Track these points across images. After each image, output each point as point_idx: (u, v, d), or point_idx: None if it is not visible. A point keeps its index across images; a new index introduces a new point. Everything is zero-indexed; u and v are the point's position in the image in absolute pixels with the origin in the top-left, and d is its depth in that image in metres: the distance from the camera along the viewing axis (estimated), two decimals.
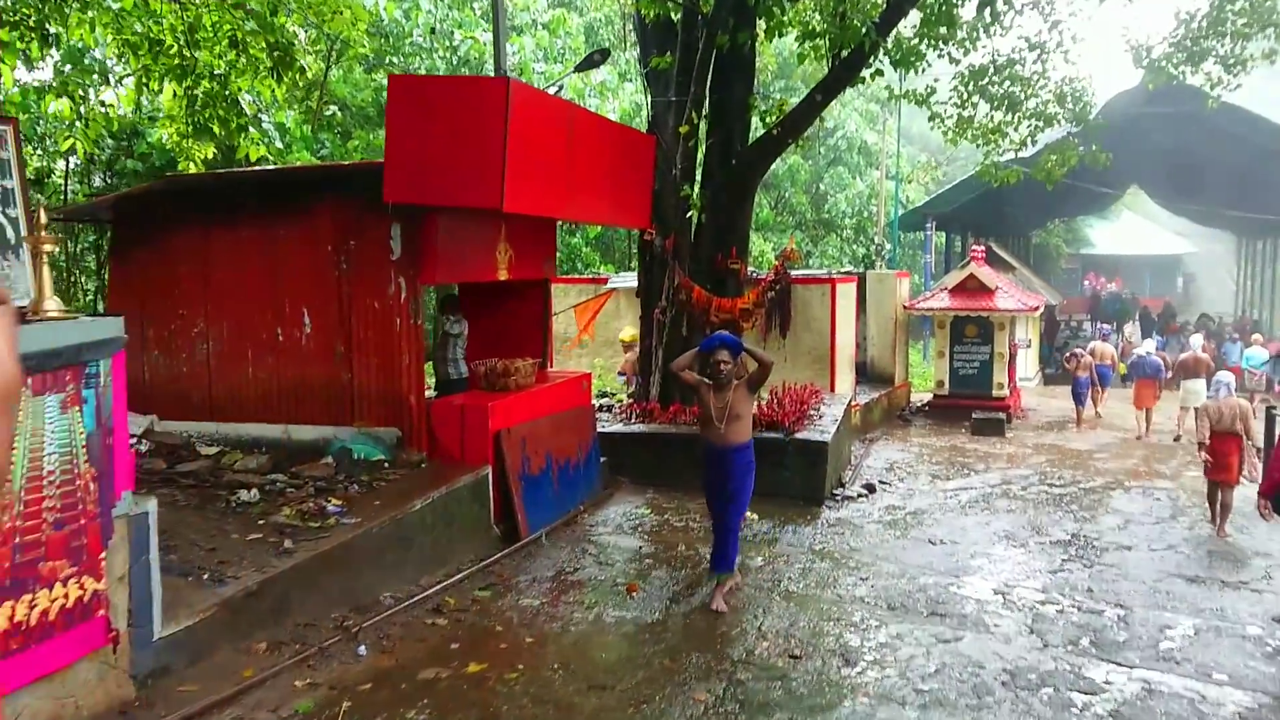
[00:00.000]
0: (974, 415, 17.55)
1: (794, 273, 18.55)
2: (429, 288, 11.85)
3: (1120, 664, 6.72)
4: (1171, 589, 8.60)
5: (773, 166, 25.56)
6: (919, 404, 20.12)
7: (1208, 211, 31.34)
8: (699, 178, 13.05)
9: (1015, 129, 16.42)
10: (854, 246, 27.64)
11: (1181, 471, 14.57)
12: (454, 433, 9.16)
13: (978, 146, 16.83)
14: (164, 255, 9.79)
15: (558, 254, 23.31)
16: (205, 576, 5.95)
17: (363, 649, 6.25)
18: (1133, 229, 42.59)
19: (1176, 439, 17.44)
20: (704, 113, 12.99)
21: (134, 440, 9.41)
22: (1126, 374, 20.18)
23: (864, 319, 19.28)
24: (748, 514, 10.40)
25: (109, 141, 14.97)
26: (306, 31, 13.41)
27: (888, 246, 26.16)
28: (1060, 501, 12.30)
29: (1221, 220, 33.39)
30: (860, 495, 12.10)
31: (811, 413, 12.78)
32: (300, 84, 14.15)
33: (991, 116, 16.47)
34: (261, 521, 7.04)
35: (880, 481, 13.20)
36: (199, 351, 9.72)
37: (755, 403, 8.24)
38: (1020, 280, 23.46)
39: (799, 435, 11.57)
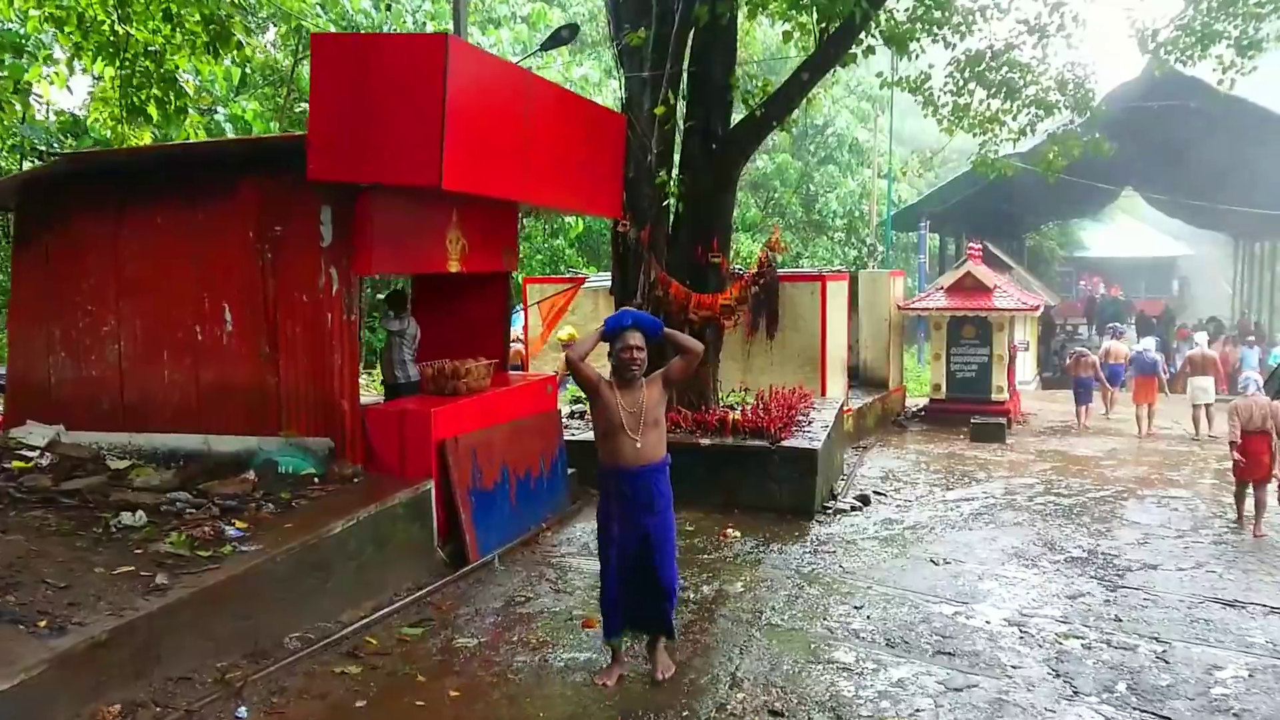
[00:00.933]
0: (973, 420, 16.35)
1: (781, 270, 17.38)
2: (367, 280, 10.58)
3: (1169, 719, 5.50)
4: (1210, 616, 7.38)
5: (761, 165, 24.41)
6: (915, 409, 18.92)
7: (1205, 212, 30.22)
8: (677, 164, 11.83)
9: (1014, 118, 15.23)
10: (846, 248, 26.45)
11: (1195, 479, 13.38)
12: (392, 443, 7.94)
13: (974, 136, 15.62)
14: (71, 245, 8.56)
15: (539, 256, 22.17)
16: (43, 624, 4.72)
17: (243, 710, 5.02)
18: (1127, 232, 41.49)
19: (1194, 438, 16.58)
20: (681, 93, 11.80)
21: (36, 454, 8.20)
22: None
23: (856, 320, 18.08)
24: (729, 530, 9.21)
25: (47, 134, 13.73)
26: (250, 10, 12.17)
27: (880, 248, 24.98)
28: (1070, 513, 11.10)
29: (1219, 222, 32.26)
30: (854, 508, 10.88)
31: (800, 418, 11.57)
32: (244, 64, 12.90)
33: (988, 104, 15.29)
34: (139, 551, 5.81)
35: (875, 492, 12.00)
36: (109, 353, 8.48)
37: (666, 406, 6.15)
38: (1018, 280, 22.29)
39: (786, 443, 10.36)
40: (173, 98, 11.11)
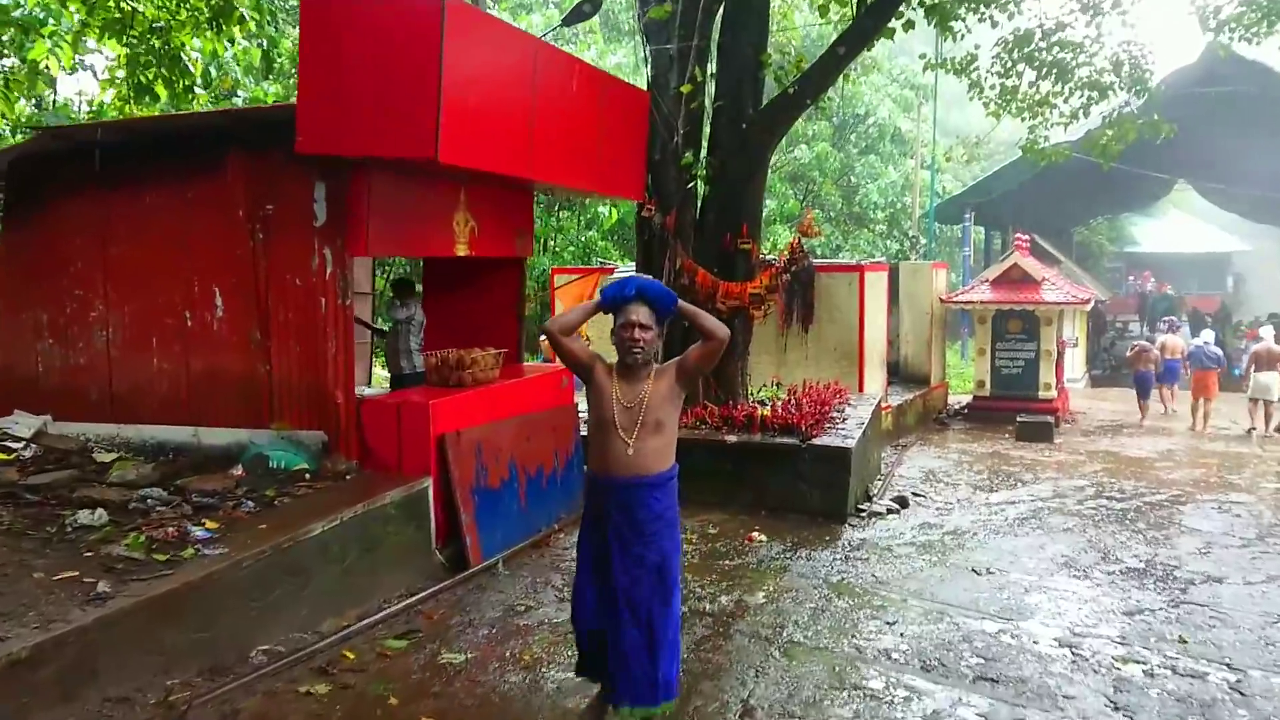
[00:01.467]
0: (1018, 419, 15.48)
1: (818, 260, 16.61)
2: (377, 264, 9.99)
3: None
4: None
5: (799, 154, 23.59)
6: (957, 406, 18.06)
7: (1263, 205, 28.90)
8: (705, 146, 11.12)
9: (1065, 100, 14.36)
10: (887, 241, 25.53)
11: (1258, 482, 12.46)
12: (389, 437, 7.32)
13: (1023, 121, 14.76)
14: (58, 227, 8.05)
15: (572, 248, 21.53)
16: None
17: None
18: (1180, 226, 39.98)
19: (1250, 431, 16.15)
20: (710, 72, 11.09)
21: (21, 445, 7.69)
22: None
23: (897, 314, 17.26)
24: (755, 534, 8.51)
25: (71, 120, 13.32)
26: None
27: (922, 241, 24.07)
28: (1124, 518, 10.27)
29: (1276, 215, 30.88)
30: (890, 511, 10.13)
31: (834, 415, 10.83)
32: (271, 48, 12.38)
33: (1038, 87, 14.43)
34: (89, 554, 5.23)
35: (914, 494, 11.23)
36: (97, 340, 7.95)
37: (680, 406, 4.78)
38: (1067, 274, 21.31)
39: (817, 441, 9.63)
40: (179, 77, 10.58)
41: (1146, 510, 10.73)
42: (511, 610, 6.59)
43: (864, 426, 10.38)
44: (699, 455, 9.67)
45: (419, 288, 10.05)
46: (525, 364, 9.95)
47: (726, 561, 8.00)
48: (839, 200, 24.61)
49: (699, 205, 10.98)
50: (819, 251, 22.07)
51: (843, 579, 7.60)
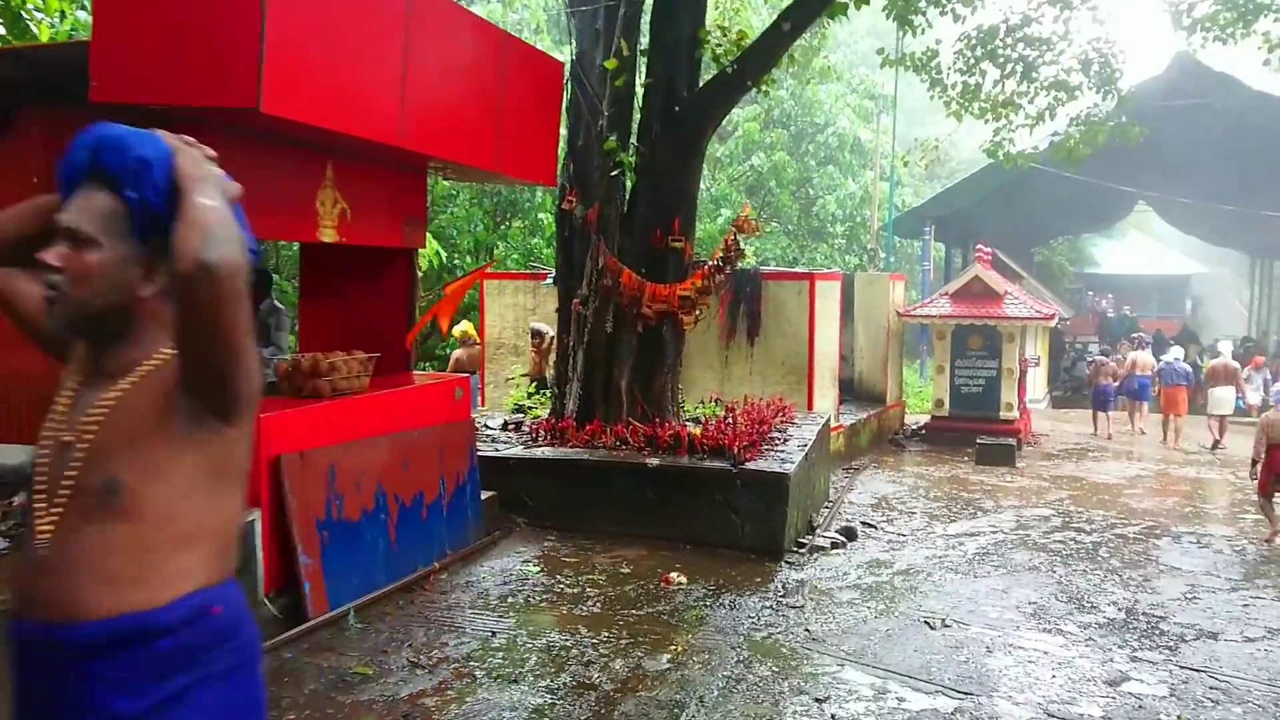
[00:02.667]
0: (979, 441, 14.15)
1: (766, 268, 15.28)
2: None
3: None
4: None
5: (756, 163, 22.28)
6: (914, 427, 16.72)
7: (1224, 229, 27.93)
8: (635, 132, 9.71)
9: (1031, 100, 13.12)
10: (846, 256, 24.24)
11: (1236, 514, 11.18)
12: None
13: (986, 122, 13.49)
14: None
15: (515, 254, 20.09)
16: None
17: None
18: (1139, 248, 39.11)
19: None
20: (641, 48, 9.71)
21: None
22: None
23: (851, 328, 15.92)
24: (673, 575, 7.06)
25: None
26: None
27: (881, 254, 22.79)
28: (1095, 554, 8.94)
29: (1237, 239, 29.95)
30: (835, 545, 8.73)
31: (774, 435, 9.42)
32: None
33: (1002, 85, 13.18)
34: None
35: (864, 524, 9.86)
36: None
37: (194, 440, 1.98)
38: (1029, 290, 20.07)
39: (751, 465, 8.21)
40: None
41: (1119, 545, 9.41)
42: (341, 682, 5.08)
43: (807, 449, 8.98)
44: (617, 481, 8.25)
45: (294, 284, 8.55)
46: (417, 373, 8.46)
47: (634, 611, 6.53)
48: (796, 212, 23.29)
49: (626, 198, 9.56)
50: (772, 262, 20.76)
51: (769, 635, 6.15)
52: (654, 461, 8.28)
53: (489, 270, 8.03)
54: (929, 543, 9.24)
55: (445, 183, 19.80)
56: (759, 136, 21.78)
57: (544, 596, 6.76)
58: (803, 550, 8.33)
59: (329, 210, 6.80)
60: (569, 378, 9.47)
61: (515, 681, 5.13)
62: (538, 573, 7.32)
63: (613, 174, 9.03)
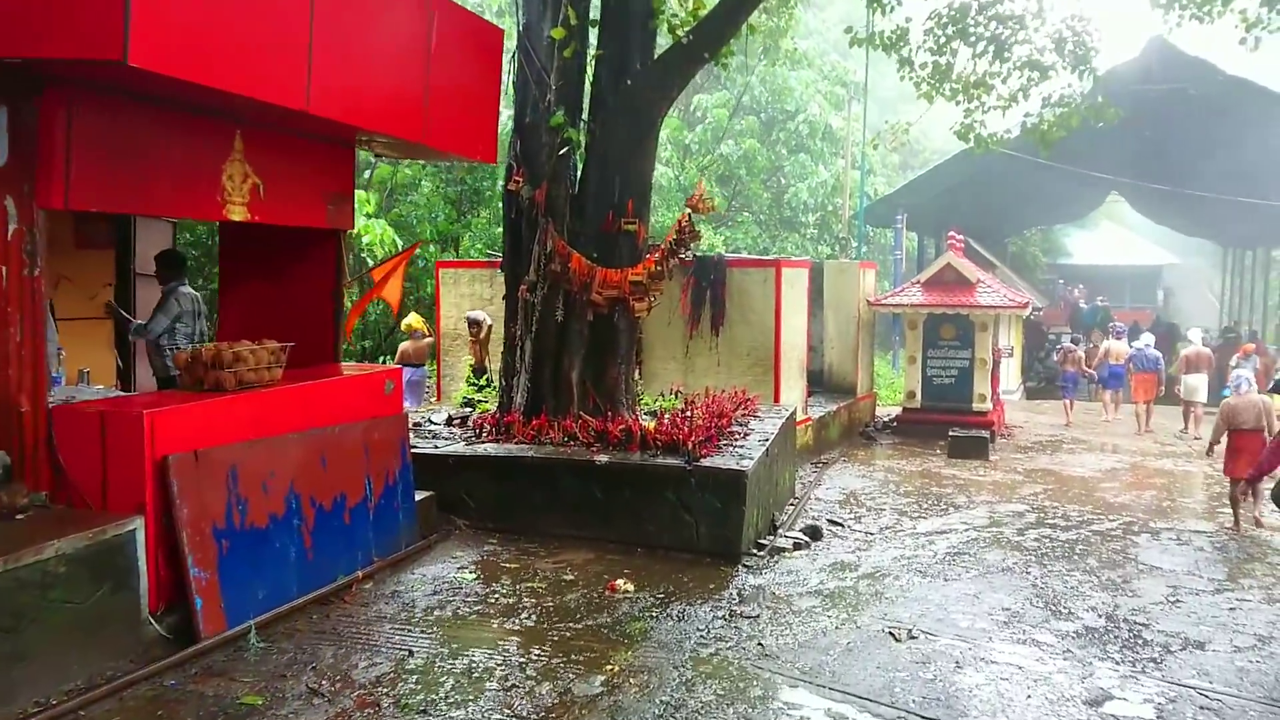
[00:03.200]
0: (951, 433, 13.59)
1: (731, 254, 14.68)
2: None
3: None
4: None
5: (726, 151, 21.65)
6: (886, 419, 16.15)
7: (1196, 219, 27.52)
8: (587, 108, 9.06)
9: (1004, 81, 12.52)
10: (818, 246, 23.63)
11: (1215, 508, 10.64)
12: (91, 458, 5.15)
13: (957, 104, 12.88)
14: None
15: (480, 243, 19.37)
16: None
17: None
18: (1112, 239, 38.75)
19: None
20: (593, 18, 9.06)
21: None
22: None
23: (821, 318, 15.32)
24: (619, 582, 6.45)
25: None
26: None
27: (853, 243, 22.21)
28: (1072, 553, 8.40)
29: (1209, 229, 29.58)
30: (798, 545, 8.14)
31: (735, 430, 8.80)
32: None
33: (974, 65, 12.58)
34: None
35: (830, 522, 9.30)
36: None
37: None
38: (1003, 279, 19.54)
39: (707, 463, 7.58)
40: None
41: (1096, 542, 8.86)
42: (221, 715, 4.42)
43: (768, 444, 8.37)
44: (564, 479, 7.61)
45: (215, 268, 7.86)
46: (348, 364, 7.80)
47: (572, 624, 5.90)
48: (767, 202, 22.65)
49: (577, 178, 8.91)
50: (743, 252, 20.12)
51: (717, 652, 5.53)
52: (602, 459, 7.65)
53: (414, 253, 7.35)
54: (898, 542, 8.66)
55: (407, 170, 19.08)
56: (729, 124, 21.14)
57: (475, 608, 6.12)
58: (763, 552, 7.73)
59: (238, 186, 6.13)
60: (516, 369, 8.82)
61: (424, 712, 4.50)
62: (472, 580, 6.68)
63: (560, 152, 8.37)
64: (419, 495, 7.47)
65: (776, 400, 11.93)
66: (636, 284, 8.21)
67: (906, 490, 11.20)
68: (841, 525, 9.27)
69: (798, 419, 12.38)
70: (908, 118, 17.46)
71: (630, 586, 6.58)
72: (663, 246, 8.38)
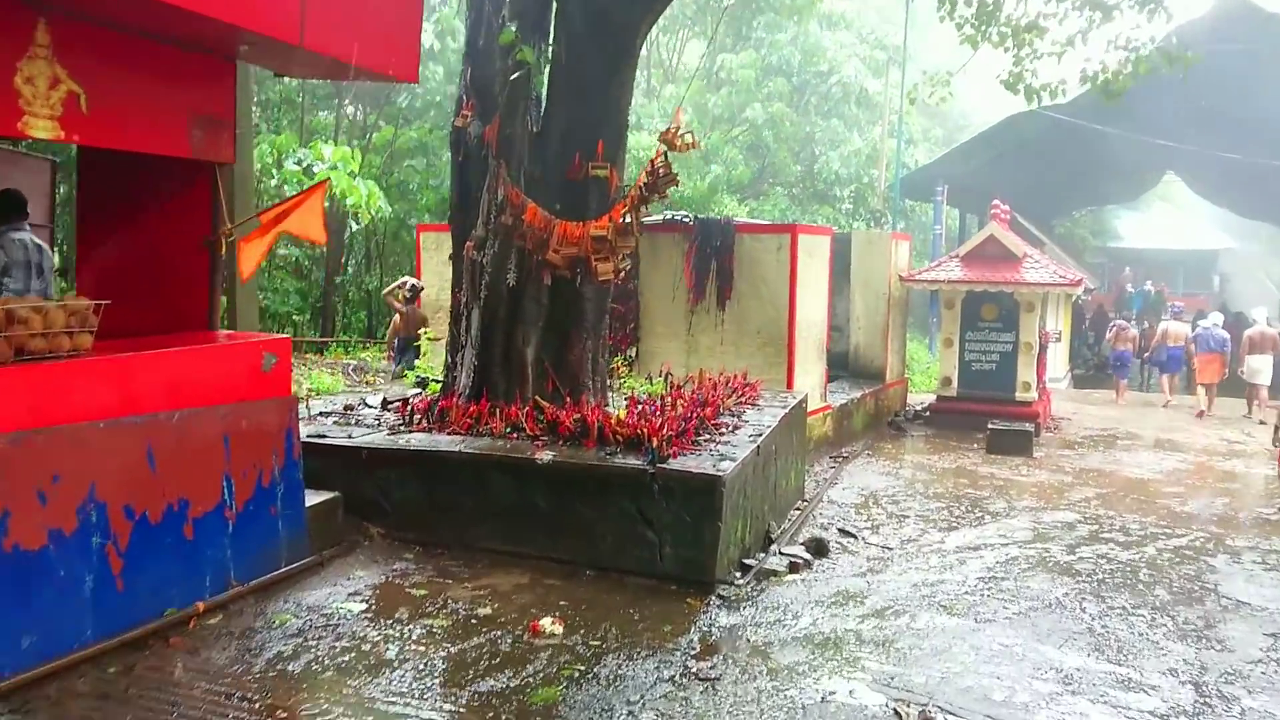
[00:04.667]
0: (990, 426, 11.74)
1: (739, 219, 12.91)
2: None
3: None
4: None
5: (752, 115, 19.74)
6: (918, 408, 14.31)
7: (1256, 199, 25.10)
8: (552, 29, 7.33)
9: (1060, 21, 10.60)
10: (853, 221, 21.68)
11: None
12: None
13: (1005, 50, 10.95)
14: None
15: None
16: None
17: None
18: (1165, 222, 36.18)
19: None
20: None
21: None
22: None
23: (847, 295, 13.53)
24: (544, 621, 4.76)
25: None
26: None
27: (889, 217, 20.26)
28: (1135, 579, 6.67)
29: (1270, 211, 27.09)
30: (795, 565, 6.43)
31: (725, 420, 7.09)
32: None
33: (1025, 4, 10.68)
34: None
35: (841, 531, 7.61)
36: None
37: None
38: (1053, 257, 17.51)
39: (677, 463, 5.86)
40: None
41: (1164, 565, 7.09)
42: None
43: (761, 440, 6.63)
44: (498, 481, 5.94)
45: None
46: (226, 333, 6.18)
47: (458, 688, 4.23)
48: (799, 173, 20.71)
49: (541, 115, 7.21)
50: (694, 192, 17.85)
51: None
52: (545, 456, 5.96)
53: (322, 190, 5.78)
54: (920, 561, 6.93)
55: (412, 134, 17.49)
56: (756, 86, 19.25)
57: (340, 659, 4.48)
58: (747, 576, 6.02)
59: (42, 92, 4.51)
60: (462, 344, 7.15)
61: None
62: (358, 614, 5.04)
63: (512, 76, 6.64)
64: (317, 498, 5.86)
65: (790, 385, 10.19)
66: (599, 240, 6.50)
67: (936, 492, 9.43)
68: (854, 536, 7.56)
69: (815, 406, 10.64)
70: (954, 86, 15.56)
71: (558, 629, 4.91)
72: (631, 193, 6.65)
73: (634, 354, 10.99)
